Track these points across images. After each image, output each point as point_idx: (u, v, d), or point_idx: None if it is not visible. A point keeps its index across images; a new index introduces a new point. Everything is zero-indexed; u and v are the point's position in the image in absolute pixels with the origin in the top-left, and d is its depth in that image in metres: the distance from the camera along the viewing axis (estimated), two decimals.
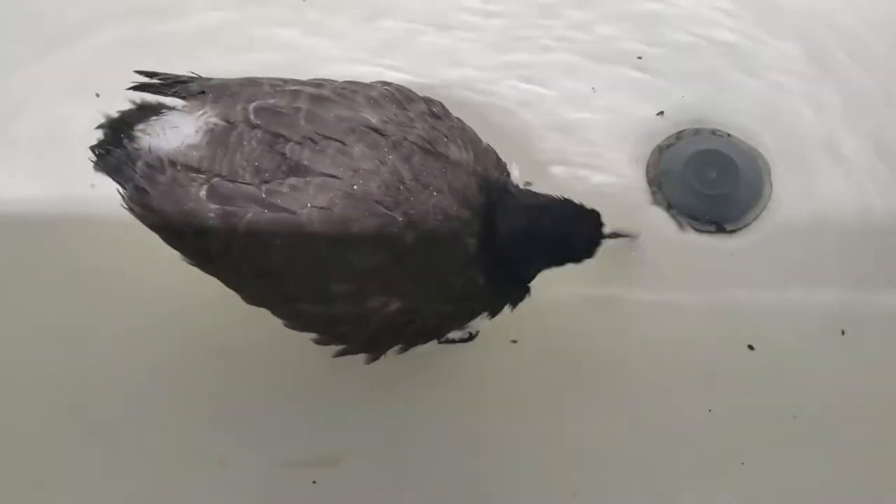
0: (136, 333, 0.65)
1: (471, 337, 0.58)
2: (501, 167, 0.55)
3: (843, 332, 0.65)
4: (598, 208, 0.55)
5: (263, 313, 0.53)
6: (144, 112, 0.53)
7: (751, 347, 0.65)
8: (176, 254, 0.53)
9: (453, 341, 0.57)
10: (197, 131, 0.50)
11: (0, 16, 0.77)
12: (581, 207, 0.53)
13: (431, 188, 0.49)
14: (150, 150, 0.51)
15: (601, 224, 0.54)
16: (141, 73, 0.55)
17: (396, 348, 0.54)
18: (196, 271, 0.53)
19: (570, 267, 0.55)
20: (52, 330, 0.66)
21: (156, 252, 0.53)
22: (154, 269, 0.62)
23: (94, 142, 0.53)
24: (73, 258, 0.68)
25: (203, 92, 0.52)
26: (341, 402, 0.63)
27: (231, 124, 0.50)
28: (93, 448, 0.63)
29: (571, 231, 0.53)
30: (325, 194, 0.48)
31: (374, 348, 0.54)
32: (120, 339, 0.65)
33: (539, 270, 0.54)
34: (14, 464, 0.62)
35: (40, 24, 0.76)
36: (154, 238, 0.53)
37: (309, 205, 0.48)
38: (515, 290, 0.55)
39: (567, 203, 0.53)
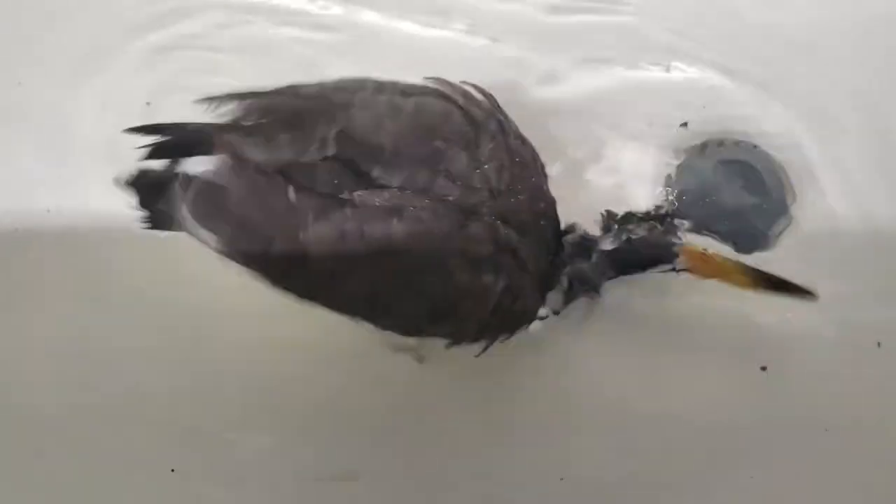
0: (166, 351, 0.66)
1: (555, 313, 0.59)
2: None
3: (878, 345, 0.65)
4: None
5: (286, 332, 0.58)
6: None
7: (763, 369, 0.65)
8: (202, 273, 0.55)
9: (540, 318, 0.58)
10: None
11: (47, 39, 0.76)
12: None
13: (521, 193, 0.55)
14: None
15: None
16: (133, 130, 0.53)
17: (503, 337, 0.57)
18: (225, 286, 0.55)
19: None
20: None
21: (184, 268, 0.58)
22: (178, 284, 0.65)
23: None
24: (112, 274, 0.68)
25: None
26: (361, 419, 0.64)
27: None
28: (112, 459, 0.63)
29: None
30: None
31: (486, 333, 0.57)
32: (150, 356, 0.66)
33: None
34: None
35: (88, 43, 0.75)
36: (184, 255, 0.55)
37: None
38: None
39: None
